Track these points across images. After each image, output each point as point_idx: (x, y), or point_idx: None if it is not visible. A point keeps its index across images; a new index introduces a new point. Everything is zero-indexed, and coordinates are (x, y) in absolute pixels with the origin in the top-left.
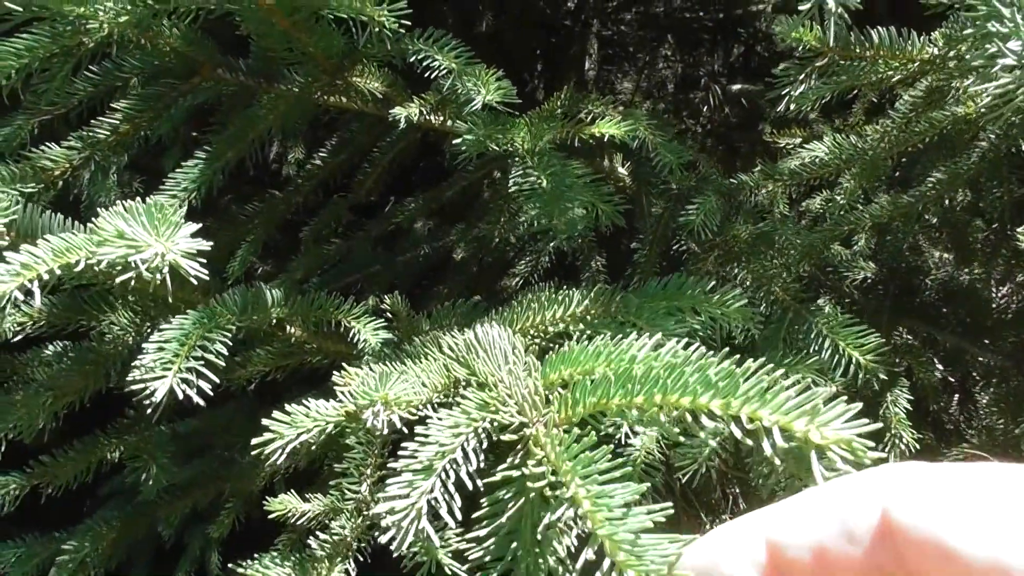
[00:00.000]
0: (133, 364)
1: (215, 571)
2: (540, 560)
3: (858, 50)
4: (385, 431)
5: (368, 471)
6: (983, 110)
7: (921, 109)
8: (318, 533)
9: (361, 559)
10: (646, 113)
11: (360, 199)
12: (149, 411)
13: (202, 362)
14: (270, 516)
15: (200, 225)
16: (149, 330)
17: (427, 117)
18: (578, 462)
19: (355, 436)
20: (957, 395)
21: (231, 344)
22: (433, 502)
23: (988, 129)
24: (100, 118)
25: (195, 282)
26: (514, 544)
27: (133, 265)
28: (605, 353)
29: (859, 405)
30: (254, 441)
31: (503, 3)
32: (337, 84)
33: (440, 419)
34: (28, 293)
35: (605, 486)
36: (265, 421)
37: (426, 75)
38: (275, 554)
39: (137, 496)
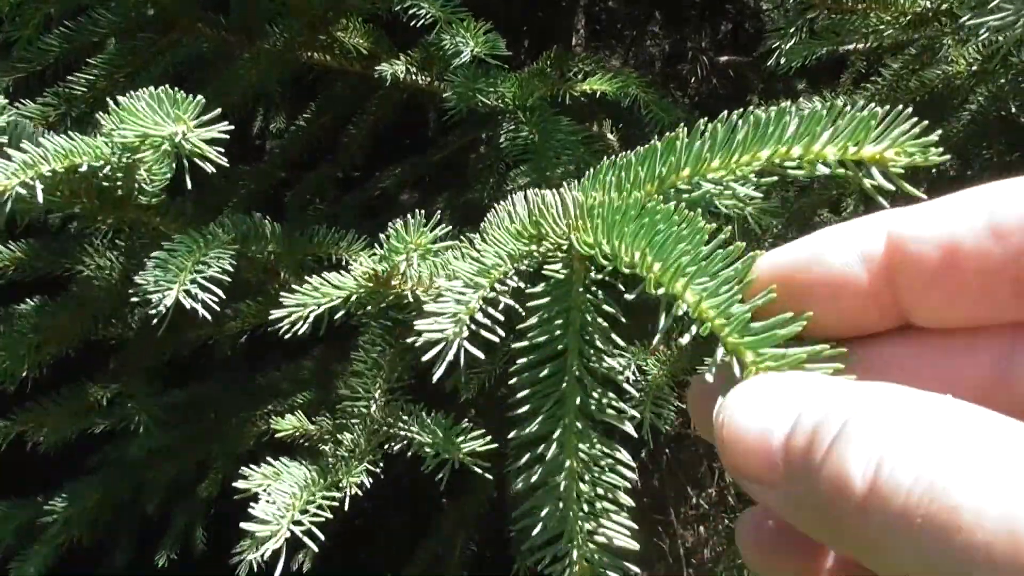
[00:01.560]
0: (135, 279)
1: (199, 546)
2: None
3: (849, 3)
4: (420, 291)
5: (377, 394)
6: (976, 55)
7: (912, 68)
8: (330, 446)
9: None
10: (636, 72)
11: (345, 164)
12: (159, 328)
13: (205, 276)
14: (278, 436)
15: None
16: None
17: (413, 76)
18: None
19: (364, 362)
20: None
21: (231, 270)
22: (475, 323)
23: (977, 91)
24: (76, 74)
25: (212, 169)
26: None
27: (151, 146)
28: None
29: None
30: (273, 314)
31: None
32: (320, 39)
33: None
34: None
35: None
36: (284, 295)
37: (412, 24)
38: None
39: (123, 457)
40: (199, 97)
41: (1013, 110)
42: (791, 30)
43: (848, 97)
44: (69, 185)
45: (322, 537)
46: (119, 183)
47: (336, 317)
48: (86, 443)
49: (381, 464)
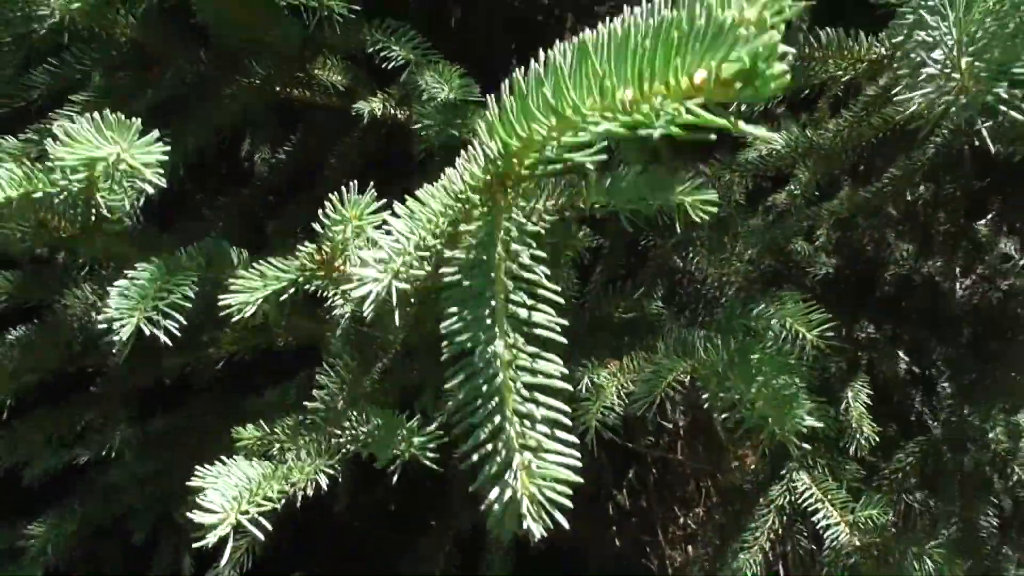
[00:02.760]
0: (99, 308)
1: (188, 574)
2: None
3: (807, 51)
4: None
5: (339, 405)
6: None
7: (874, 106)
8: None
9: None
10: None
11: (327, 195)
12: (120, 356)
13: (167, 303)
14: (238, 445)
15: (158, 132)
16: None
17: (391, 111)
18: None
19: (326, 376)
20: (920, 387)
21: (196, 304)
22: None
23: (942, 124)
24: (58, 111)
25: (151, 190)
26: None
27: (93, 166)
28: None
29: None
30: (222, 299)
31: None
32: (299, 76)
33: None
34: None
35: None
36: (232, 280)
37: (385, 67)
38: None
39: (105, 480)
40: (137, 120)
41: (977, 143)
42: None
43: (825, 123)
44: (33, 213)
45: (269, 527)
46: (79, 210)
47: (282, 300)
48: (71, 466)
49: (338, 468)
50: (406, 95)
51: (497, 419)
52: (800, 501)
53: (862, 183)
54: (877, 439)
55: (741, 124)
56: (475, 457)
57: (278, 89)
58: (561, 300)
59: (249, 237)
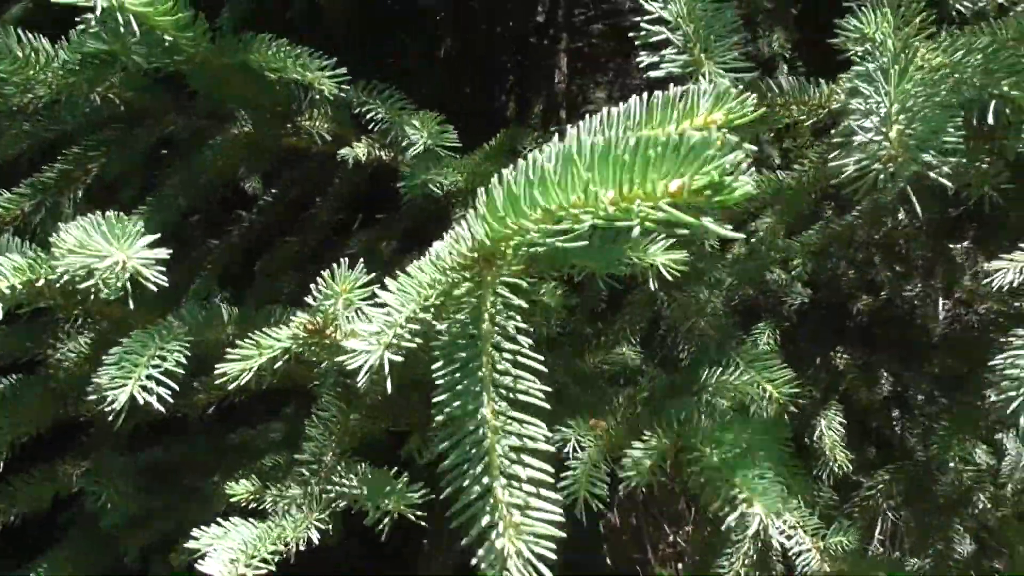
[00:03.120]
0: (93, 377)
1: None
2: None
3: (768, 97)
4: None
5: (328, 457)
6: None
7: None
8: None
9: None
10: None
11: (313, 235)
12: (114, 424)
13: (161, 371)
14: (231, 500)
15: (158, 235)
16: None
17: (376, 153)
18: None
19: (315, 428)
20: (898, 412)
21: (189, 359)
22: (397, 341)
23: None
24: (51, 164)
25: (155, 288)
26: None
27: (94, 274)
28: None
29: None
30: (218, 367)
31: (467, 22)
32: (287, 128)
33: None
34: None
35: None
36: (229, 350)
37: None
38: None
39: (97, 526)
40: (139, 225)
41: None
42: None
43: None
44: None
45: None
46: (78, 290)
47: (276, 367)
48: (67, 506)
49: (329, 521)
50: (390, 139)
51: (485, 480)
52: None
53: (836, 214)
54: (850, 466)
55: (707, 224)
56: (465, 516)
57: (266, 137)
58: (544, 368)
59: (238, 274)
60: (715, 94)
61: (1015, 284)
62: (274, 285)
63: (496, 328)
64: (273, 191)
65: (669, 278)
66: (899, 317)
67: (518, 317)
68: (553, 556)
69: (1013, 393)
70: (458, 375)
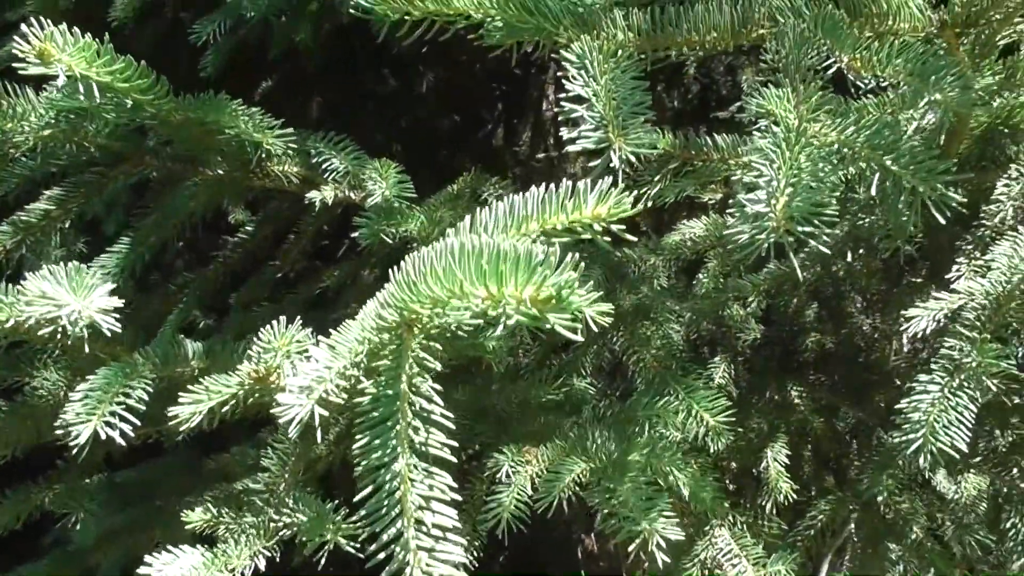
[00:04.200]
0: (60, 412)
1: None
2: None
3: (705, 151)
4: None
5: (280, 488)
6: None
7: None
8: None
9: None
10: None
11: (287, 267)
12: (79, 457)
13: (124, 407)
14: (187, 527)
15: (114, 285)
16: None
17: (345, 194)
18: None
19: (269, 459)
20: (855, 441)
21: (153, 393)
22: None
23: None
24: (32, 204)
25: (109, 335)
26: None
27: (56, 321)
28: None
29: None
30: (170, 410)
31: (448, 57)
32: (256, 171)
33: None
34: None
35: None
36: (181, 394)
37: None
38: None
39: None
40: (95, 273)
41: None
42: (656, 178)
43: None
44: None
45: None
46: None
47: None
48: (42, 524)
49: (276, 549)
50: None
51: (398, 525)
52: (720, 556)
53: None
54: (794, 496)
55: (557, 327)
56: (381, 556)
57: (237, 179)
58: (453, 426)
59: (214, 307)
60: (597, 192)
61: (927, 332)
62: (249, 315)
63: (412, 388)
64: (248, 228)
65: (596, 329)
66: (850, 352)
67: (429, 379)
68: None
69: (914, 435)
70: (377, 430)
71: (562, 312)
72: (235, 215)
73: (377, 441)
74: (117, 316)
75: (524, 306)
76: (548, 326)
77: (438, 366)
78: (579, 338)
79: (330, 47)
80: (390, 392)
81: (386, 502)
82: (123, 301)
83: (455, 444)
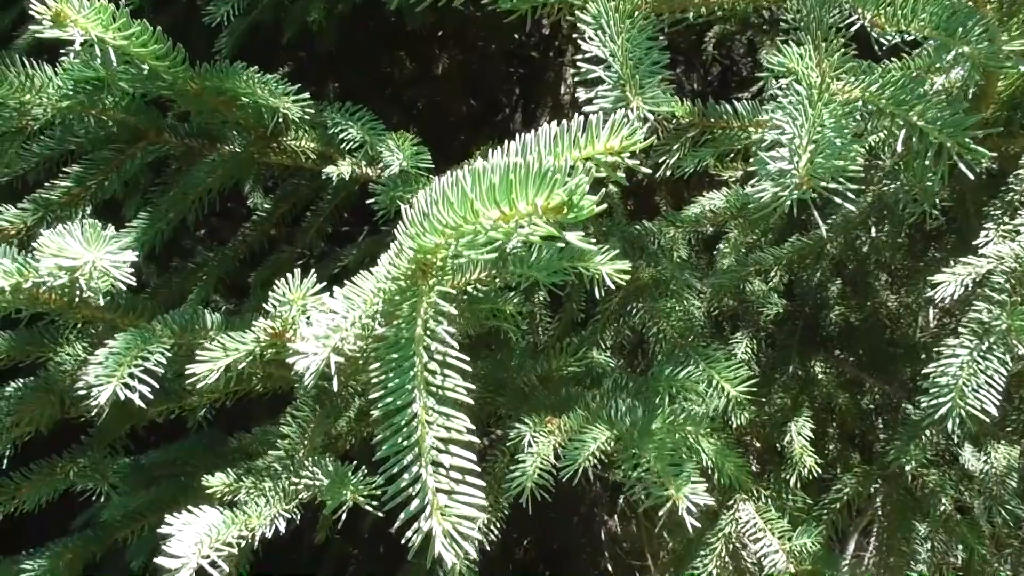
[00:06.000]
0: (80, 374)
1: None
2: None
3: (724, 119)
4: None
5: (300, 453)
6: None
7: None
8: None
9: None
10: None
11: (305, 247)
12: (99, 419)
13: (142, 370)
14: (207, 492)
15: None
16: None
17: (363, 170)
18: None
19: (289, 427)
20: (871, 418)
21: (174, 368)
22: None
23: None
24: (52, 181)
25: (123, 287)
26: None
27: (71, 272)
28: None
29: None
30: (188, 368)
31: (464, 39)
32: (273, 146)
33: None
34: None
35: None
36: (199, 351)
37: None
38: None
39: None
40: (110, 231)
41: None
42: (675, 146)
43: None
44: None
45: (226, 569)
46: (65, 292)
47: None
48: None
49: (296, 512)
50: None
51: (416, 468)
52: (745, 530)
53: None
54: (819, 472)
55: (566, 235)
56: (398, 500)
57: (256, 155)
58: (468, 368)
59: (234, 285)
60: (610, 125)
61: (954, 298)
62: (268, 295)
63: (428, 332)
64: (266, 206)
65: (612, 286)
66: (875, 327)
67: (445, 322)
68: (477, 535)
69: (942, 399)
70: (393, 374)
71: (576, 218)
72: (253, 198)
73: (393, 383)
74: (132, 271)
75: (537, 217)
76: (561, 245)
77: (453, 310)
78: (588, 246)
79: (345, 29)
80: (406, 335)
81: (402, 446)
82: (136, 255)
83: (472, 387)
